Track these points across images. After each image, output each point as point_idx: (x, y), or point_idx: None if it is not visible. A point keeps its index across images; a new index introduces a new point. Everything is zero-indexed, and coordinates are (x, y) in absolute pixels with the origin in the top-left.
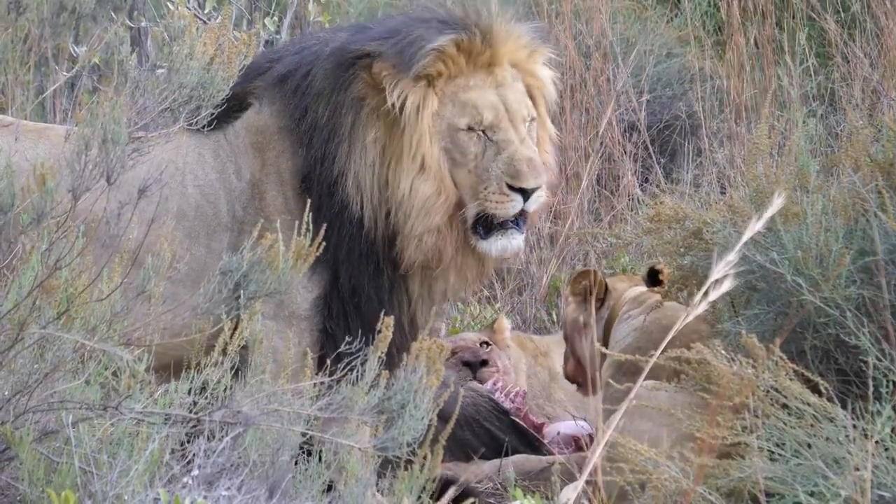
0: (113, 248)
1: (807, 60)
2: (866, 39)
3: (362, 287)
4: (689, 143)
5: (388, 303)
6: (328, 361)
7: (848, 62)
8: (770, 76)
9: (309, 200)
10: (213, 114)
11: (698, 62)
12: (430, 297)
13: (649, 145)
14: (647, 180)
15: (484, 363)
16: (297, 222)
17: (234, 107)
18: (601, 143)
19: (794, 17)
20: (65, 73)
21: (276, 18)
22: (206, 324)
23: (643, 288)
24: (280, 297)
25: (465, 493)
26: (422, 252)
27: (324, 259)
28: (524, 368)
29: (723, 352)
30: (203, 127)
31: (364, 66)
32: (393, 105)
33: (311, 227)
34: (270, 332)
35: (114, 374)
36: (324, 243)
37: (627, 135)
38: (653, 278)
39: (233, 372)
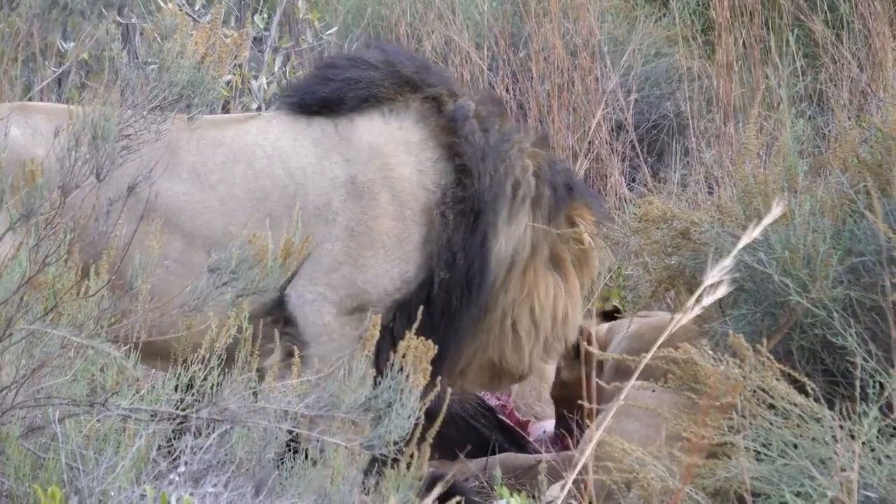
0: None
1: (795, 61)
2: (854, 41)
3: (457, 322)
4: (676, 143)
5: (455, 353)
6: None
7: (836, 63)
8: (758, 76)
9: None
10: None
11: (686, 62)
12: (482, 382)
13: (637, 145)
14: (634, 180)
15: None
16: (411, 233)
17: (339, 100)
18: (589, 143)
19: (781, 18)
20: (53, 69)
21: (265, 16)
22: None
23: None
24: (272, 296)
25: (452, 490)
26: (541, 362)
27: (425, 274)
28: None
29: (710, 352)
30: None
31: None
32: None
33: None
34: (328, 315)
35: (101, 370)
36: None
37: (615, 134)
38: (607, 315)
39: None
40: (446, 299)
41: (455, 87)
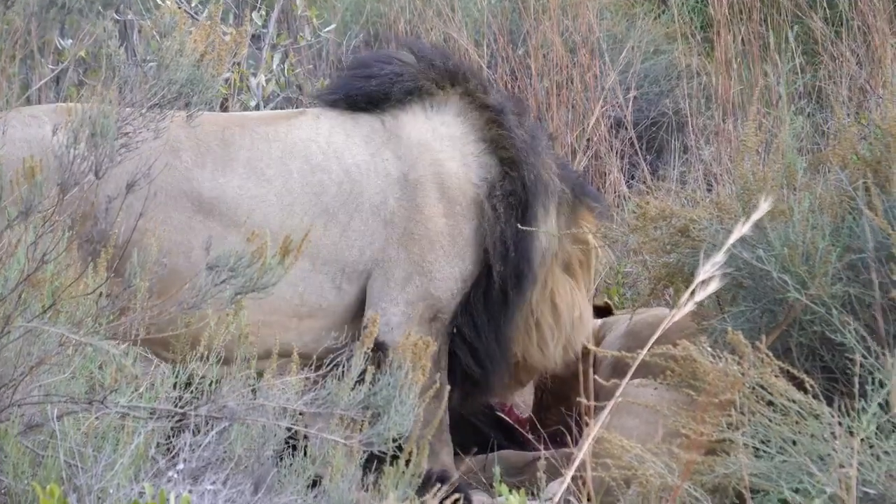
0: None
1: (794, 58)
2: (853, 38)
3: (511, 314)
4: (675, 140)
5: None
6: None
7: (835, 60)
8: (757, 74)
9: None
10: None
11: (685, 59)
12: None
13: (636, 142)
14: (633, 177)
15: None
16: (462, 229)
17: (386, 94)
18: (588, 140)
19: (780, 15)
20: (51, 67)
21: (262, 13)
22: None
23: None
24: (267, 294)
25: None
26: (562, 359)
27: (482, 267)
28: None
29: (709, 348)
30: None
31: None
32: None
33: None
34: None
35: (99, 367)
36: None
37: (614, 131)
38: (599, 310)
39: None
40: (502, 292)
41: (485, 82)
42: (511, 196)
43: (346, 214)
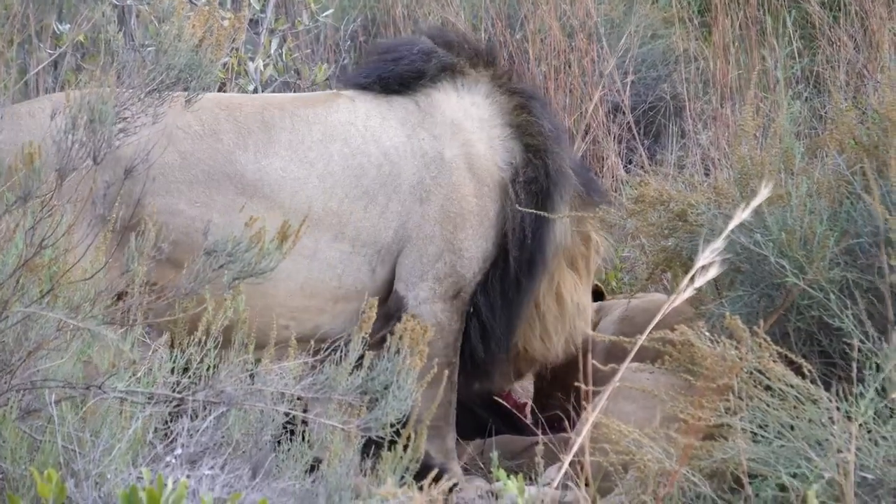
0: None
1: (791, 43)
2: (850, 22)
3: (523, 299)
4: (673, 125)
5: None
6: None
7: (832, 45)
8: (755, 58)
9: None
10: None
11: (683, 44)
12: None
13: (633, 127)
14: (631, 162)
15: None
16: (489, 211)
17: (419, 72)
18: (586, 125)
19: (778, 0)
20: (49, 52)
21: None
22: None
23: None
24: (263, 279)
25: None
26: (563, 352)
27: (501, 251)
28: None
29: (706, 333)
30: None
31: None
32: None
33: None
34: (439, 311)
35: (97, 352)
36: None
37: (612, 116)
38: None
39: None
40: (517, 277)
41: (506, 67)
42: (533, 184)
43: (385, 196)
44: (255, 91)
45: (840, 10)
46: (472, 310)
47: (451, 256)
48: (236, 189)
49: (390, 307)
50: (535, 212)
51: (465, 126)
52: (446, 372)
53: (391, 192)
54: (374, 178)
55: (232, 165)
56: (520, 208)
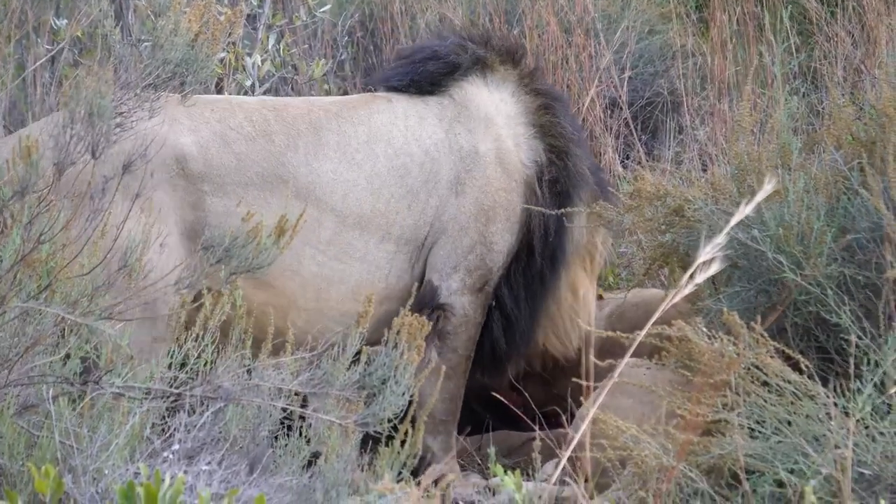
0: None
1: (789, 38)
2: (848, 18)
3: (550, 293)
4: (670, 121)
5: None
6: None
7: (830, 40)
8: (752, 54)
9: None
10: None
11: (680, 39)
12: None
13: (631, 122)
14: (628, 157)
15: None
16: (515, 206)
17: (454, 66)
18: (583, 120)
19: None
20: (47, 47)
21: None
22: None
23: None
24: (262, 274)
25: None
26: (571, 349)
27: (526, 241)
28: None
29: (704, 329)
30: (419, 92)
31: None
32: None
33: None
34: (467, 303)
35: (95, 348)
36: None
37: (609, 111)
38: None
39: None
40: (542, 271)
41: (532, 66)
42: (556, 184)
43: (426, 193)
44: (253, 87)
45: (837, 5)
46: (494, 303)
47: (483, 249)
48: (290, 192)
49: (424, 297)
50: (560, 211)
51: (496, 121)
52: (463, 366)
53: (431, 188)
54: (416, 176)
55: (284, 168)
56: (543, 210)
